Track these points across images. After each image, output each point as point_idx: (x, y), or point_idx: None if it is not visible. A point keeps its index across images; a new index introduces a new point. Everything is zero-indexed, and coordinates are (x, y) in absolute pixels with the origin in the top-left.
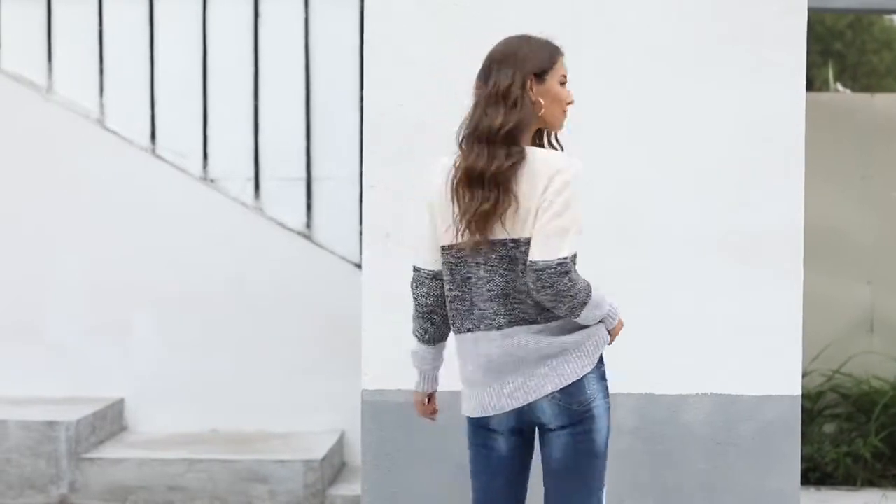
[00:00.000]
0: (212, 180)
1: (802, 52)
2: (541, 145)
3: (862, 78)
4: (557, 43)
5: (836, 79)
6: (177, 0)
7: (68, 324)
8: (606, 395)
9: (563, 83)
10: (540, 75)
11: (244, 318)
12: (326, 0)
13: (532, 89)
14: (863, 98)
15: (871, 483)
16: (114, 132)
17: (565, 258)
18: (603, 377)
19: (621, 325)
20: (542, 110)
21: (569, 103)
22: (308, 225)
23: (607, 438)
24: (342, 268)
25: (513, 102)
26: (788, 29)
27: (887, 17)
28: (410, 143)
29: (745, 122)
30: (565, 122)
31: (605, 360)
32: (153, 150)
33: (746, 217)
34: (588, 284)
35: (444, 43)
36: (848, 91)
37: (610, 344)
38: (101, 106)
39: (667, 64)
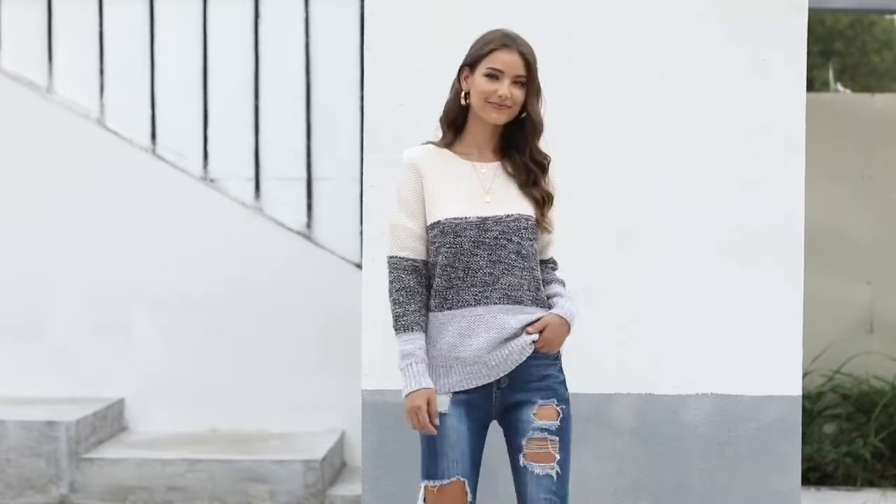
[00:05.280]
0: (212, 180)
1: (803, 52)
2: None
3: (862, 78)
4: (503, 36)
5: (837, 79)
6: (177, 1)
7: (68, 324)
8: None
9: (489, 75)
10: (472, 66)
11: (244, 318)
12: (327, 0)
13: (464, 79)
14: (863, 98)
15: (870, 483)
16: (114, 132)
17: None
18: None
19: (409, 410)
20: (467, 100)
21: (488, 99)
22: (308, 225)
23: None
24: (342, 268)
25: (450, 90)
26: (789, 29)
27: (888, 17)
28: (411, 142)
29: (745, 123)
30: (496, 117)
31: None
32: (153, 150)
33: (747, 217)
34: (401, 312)
35: (443, 43)
36: (848, 91)
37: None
38: (102, 106)
39: (667, 64)
